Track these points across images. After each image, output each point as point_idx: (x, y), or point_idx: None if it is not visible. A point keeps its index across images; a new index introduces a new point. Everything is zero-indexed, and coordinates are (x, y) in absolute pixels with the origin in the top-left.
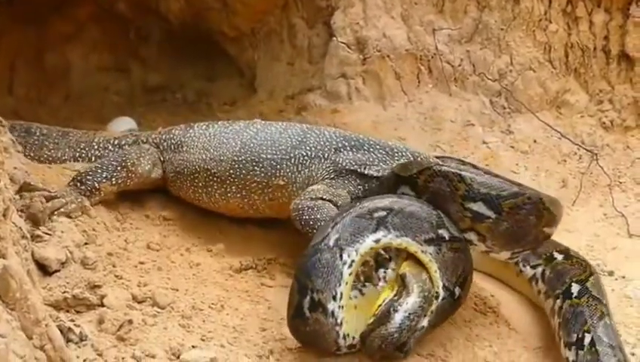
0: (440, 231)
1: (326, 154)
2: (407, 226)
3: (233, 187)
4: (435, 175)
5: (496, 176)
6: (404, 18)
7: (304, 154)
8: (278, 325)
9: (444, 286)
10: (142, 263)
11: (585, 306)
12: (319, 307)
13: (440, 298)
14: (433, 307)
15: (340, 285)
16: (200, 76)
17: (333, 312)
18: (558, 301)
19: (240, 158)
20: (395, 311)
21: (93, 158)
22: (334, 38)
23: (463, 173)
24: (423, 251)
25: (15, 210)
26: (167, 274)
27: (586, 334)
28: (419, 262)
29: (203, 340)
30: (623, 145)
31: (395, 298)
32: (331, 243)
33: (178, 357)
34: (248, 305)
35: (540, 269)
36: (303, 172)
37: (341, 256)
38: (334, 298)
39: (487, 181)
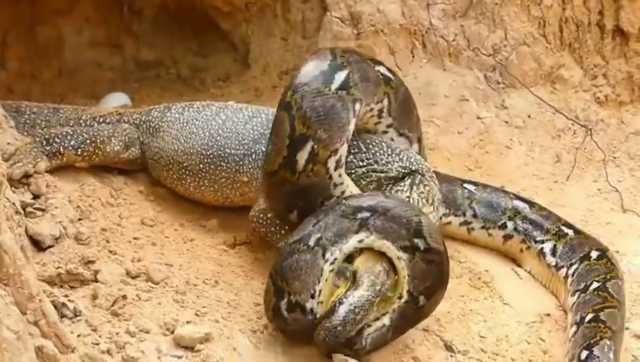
0: (416, 241)
1: None
2: (387, 230)
3: (205, 181)
4: None
5: None
6: None
7: (264, 149)
8: None
9: (408, 291)
10: (136, 239)
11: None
12: (297, 307)
13: (403, 300)
14: (395, 306)
15: (319, 283)
16: (193, 52)
17: (312, 309)
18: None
19: (208, 153)
20: (341, 303)
21: None
22: (328, 13)
23: None
24: (399, 257)
25: (8, 185)
26: (161, 250)
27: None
28: (375, 255)
29: (197, 315)
30: (617, 121)
31: (346, 292)
32: (312, 242)
33: (172, 333)
34: (242, 280)
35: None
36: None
37: (324, 254)
38: (312, 296)
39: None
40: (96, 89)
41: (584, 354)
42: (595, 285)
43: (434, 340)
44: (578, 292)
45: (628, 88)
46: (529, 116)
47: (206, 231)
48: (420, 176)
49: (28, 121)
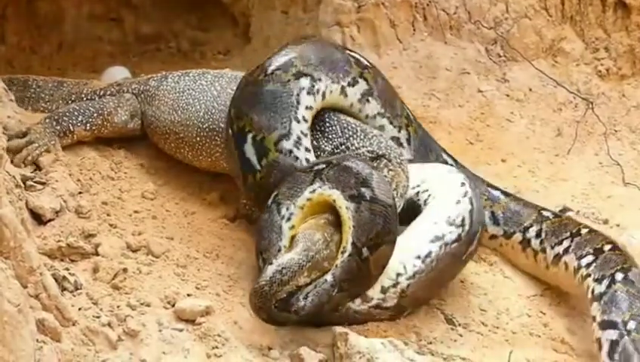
0: (363, 190)
1: None
2: (338, 179)
3: (203, 152)
4: None
5: None
6: None
7: None
8: None
9: (352, 243)
10: (136, 212)
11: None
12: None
13: (346, 253)
14: (338, 261)
15: (281, 240)
16: (194, 25)
17: None
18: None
19: (204, 126)
20: (270, 264)
21: None
22: None
23: None
24: (347, 207)
25: (9, 158)
26: (162, 223)
27: None
28: (318, 225)
29: (198, 289)
30: (618, 94)
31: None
32: (270, 201)
33: (173, 306)
34: (243, 253)
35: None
36: None
37: (279, 211)
38: (279, 251)
39: None
40: (96, 63)
41: (619, 275)
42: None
43: (434, 313)
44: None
45: (629, 61)
46: (530, 89)
47: (207, 204)
48: (385, 161)
49: (33, 95)
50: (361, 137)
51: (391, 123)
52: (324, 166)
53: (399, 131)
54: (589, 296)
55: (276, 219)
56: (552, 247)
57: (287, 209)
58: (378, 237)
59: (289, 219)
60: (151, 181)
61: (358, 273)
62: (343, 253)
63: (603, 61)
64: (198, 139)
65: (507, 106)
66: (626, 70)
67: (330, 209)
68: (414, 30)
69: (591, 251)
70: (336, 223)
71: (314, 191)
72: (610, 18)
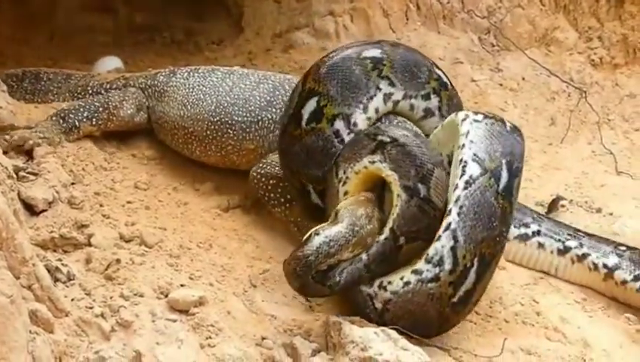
0: (419, 186)
1: None
2: (399, 163)
3: (212, 146)
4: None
5: None
6: None
7: (269, 117)
8: (267, 263)
9: (391, 228)
10: (129, 202)
11: None
12: None
13: (383, 236)
14: (370, 241)
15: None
16: (187, 15)
17: None
18: None
19: (215, 120)
20: (317, 234)
21: None
22: None
23: None
24: (398, 195)
25: (1, 150)
26: (155, 214)
27: None
28: (360, 201)
29: (191, 279)
30: (611, 83)
31: (324, 226)
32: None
33: (166, 296)
34: (236, 243)
35: None
36: (269, 136)
37: (337, 173)
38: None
39: None
40: (89, 53)
41: None
42: None
43: None
44: None
45: (622, 50)
46: (523, 79)
47: (200, 194)
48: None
49: (44, 88)
50: None
51: None
52: (388, 140)
53: None
54: None
55: (334, 182)
56: None
57: (344, 172)
58: (418, 233)
59: (345, 183)
60: (144, 171)
61: (388, 257)
62: (380, 234)
63: (596, 50)
64: (208, 133)
65: (500, 96)
66: (619, 59)
67: (377, 184)
68: (407, 20)
69: None
70: (377, 201)
71: (374, 162)
72: (604, 7)
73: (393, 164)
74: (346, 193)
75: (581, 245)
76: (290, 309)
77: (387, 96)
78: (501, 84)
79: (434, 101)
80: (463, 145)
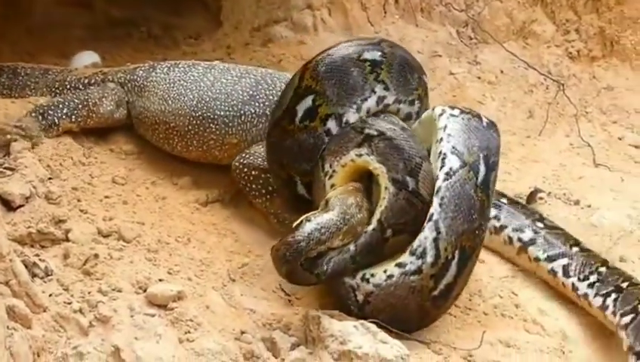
0: (407, 178)
1: None
2: (387, 156)
3: (194, 141)
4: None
5: None
6: None
7: (253, 111)
8: (245, 257)
9: (379, 220)
10: (107, 197)
11: None
12: None
13: (371, 227)
14: (360, 230)
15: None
16: (165, 10)
17: None
18: None
19: (197, 114)
20: (308, 221)
21: None
22: None
23: None
24: (386, 187)
25: None
26: (133, 208)
27: None
28: (349, 191)
29: (170, 273)
30: (589, 75)
31: (316, 213)
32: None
33: (145, 291)
34: (215, 238)
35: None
36: (252, 130)
37: (323, 167)
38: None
39: None
40: (66, 48)
41: None
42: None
43: None
44: None
45: (600, 43)
46: (501, 71)
47: (178, 189)
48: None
49: (21, 83)
50: None
51: None
52: (376, 133)
53: None
54: None
55: (320, 176)
56: None
57: (331, 167)
58: (405, 225)
59: (331, 176)
60: (121, 166)
61: (374, 249)
62: (367, 225)
63: (574, 43)
64: (189, 128)
65: (479, 89)
66: (596, 52)
67: (364, 176)
68: (385, 13)
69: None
70: (365, 192)
71: (360, 155)
72: (581, 0)
73: (381, 156)
74: (332, 186)
75: (498, 218)
76: (270, 303)
77: (380, 99)
78: (479, 77)
79: (416, 107)
80: (441, 138)
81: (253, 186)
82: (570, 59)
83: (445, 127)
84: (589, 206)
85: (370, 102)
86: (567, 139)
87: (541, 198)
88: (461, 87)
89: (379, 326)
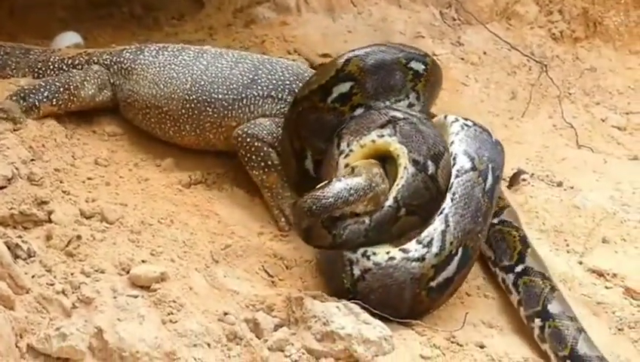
0: (428, 162)
1: (279, 95)
2: (411, 139)
3: (187, 126)
4: None
5: None
6: None
7: (256, 94)
8: (228, 239)
9: (395, 197)
10: (90, 179)
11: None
12: None
13: (387, 203)
14: (382, 200)
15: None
16: None
17: None
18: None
19: (191, 98)
20: (338, 180)
21: None
22: None
23: None
24: (405, 167)
25: None
26: (116, 190)
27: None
28: (373, 162)
29: (153, 255)
30: (572, 57)
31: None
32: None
33: (128, 272)
34: (198, 219)
35: None
36: (255, 113)
37: (339, 145)
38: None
39: None
40: (47, 28)
41: None
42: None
43: None
44: None
45: (583, 24)
46: (485, 53)
47: (161, 170)
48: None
49: (1, 62)
50: None
51: None
52: (402, 117)
53: None
54: None
55: (334, 153)
56: None
57: (348, 145)
58: (418, 207)
59: (347, 155)
60: (104, 147)
61: (388, 226)
62: (383, 193)
63: (557, 24)
64: (183, 112)
65: (462, 70)
66: (579, 33)
67: (382, 160)
68: None
69: None
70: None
71: (382, 136)
72: None
73: (404, 138)
74: (346, 165)
75: None
76: (253, 284)
77: (409, 106)
78: (462, 58)
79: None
80: (453, 142)
81: (253, 157)
82: (554, 40)
83: (458, 132)
84: (572, 187)
85: (400, 105)
86: (550, 121)
87: (524, 180)
88: (444, 68)
89: (362, 307)
